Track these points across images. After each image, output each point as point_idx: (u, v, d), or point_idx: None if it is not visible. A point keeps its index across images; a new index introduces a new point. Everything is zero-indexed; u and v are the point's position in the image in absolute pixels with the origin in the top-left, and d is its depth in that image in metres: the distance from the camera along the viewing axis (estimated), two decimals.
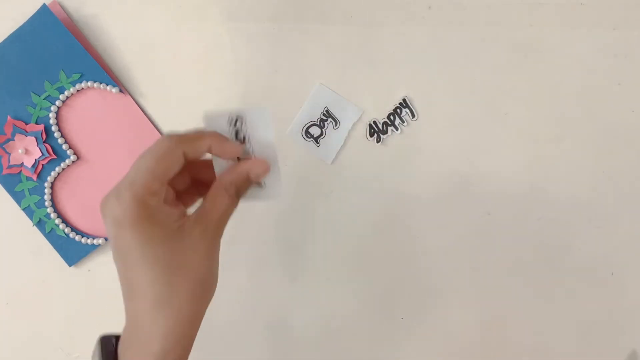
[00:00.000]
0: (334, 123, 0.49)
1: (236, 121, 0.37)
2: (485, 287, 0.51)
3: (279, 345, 0.51)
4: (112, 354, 0.35)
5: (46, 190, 0.48)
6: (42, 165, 0.48)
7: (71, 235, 0.49)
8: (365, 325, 0.51)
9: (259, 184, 0.38)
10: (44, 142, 0.48)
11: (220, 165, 0.37)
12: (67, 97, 0.48)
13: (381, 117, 0.49)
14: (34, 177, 0.48)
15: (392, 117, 0.49)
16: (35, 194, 0.49)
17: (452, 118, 0.49)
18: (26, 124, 0.48)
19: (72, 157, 0.48)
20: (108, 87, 0.47)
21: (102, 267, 0.50)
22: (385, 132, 0.49)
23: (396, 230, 0.50)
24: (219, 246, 0.36)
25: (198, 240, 0.35)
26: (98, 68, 0.47)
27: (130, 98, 0.48)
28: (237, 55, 0.48)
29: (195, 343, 0.36)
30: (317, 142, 0.49)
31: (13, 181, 0.48)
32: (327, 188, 0.49)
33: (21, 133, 0.48)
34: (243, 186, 0.37)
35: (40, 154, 0.48)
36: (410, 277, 0.51)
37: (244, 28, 0.48)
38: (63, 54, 0.47)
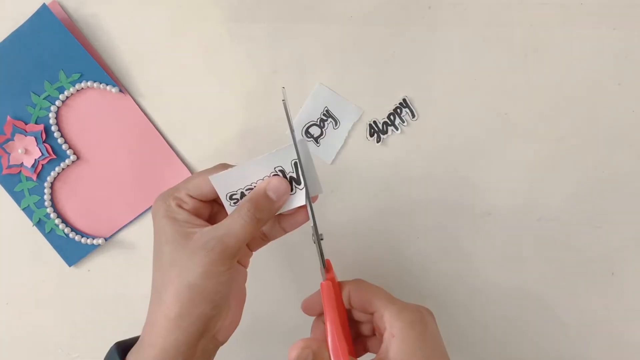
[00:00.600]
0: (334, 123, 0.49)
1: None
2: (484, 288, 0.51)
3: (278, 345, 0.51)
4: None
5: (46, 190, 0.48)
6: (42, 165, 0.48)
7: (71, 235, 0.49)
8: None
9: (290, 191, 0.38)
10: (44, 142, 0.48)
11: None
12: (67, 97, 0.48)
13: (381, 117, 0.49)
14: (34, 177, 0.48)
15: (392, 117, 0.49)
16: (35, 194, 0.49)
17: (452, 118, 0.49)
18: (26, 124, 0.48)
19: (72, 157, 0.48)
20: (108, 87, 0.47)
21: (102, 267, 0.50)
22: (385, 132, 0.49)
23: (396, 230, 0.50)
24: (231, 268, 0.36)
25: (198, 249, 0.35)
26: (98, 68, 0.47)
27: (130, 98, 0.48)
28: (237, 55, 0.48)
29: None
30: (317, 142, 0.49)
31: (13, 181, 0.48)
32: (327, 188, 0.49)
33: (21, 133, 0.48)
34: (261, 204, 0.37)
35: (40, 154, 0.48)
36: (409, 277, 0.51)
37: (244, 28, 0.48)
38: (63, 53, 0.47)
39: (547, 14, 0.48)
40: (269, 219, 0.37)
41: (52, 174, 0.48)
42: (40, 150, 0.48)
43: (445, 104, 0.49)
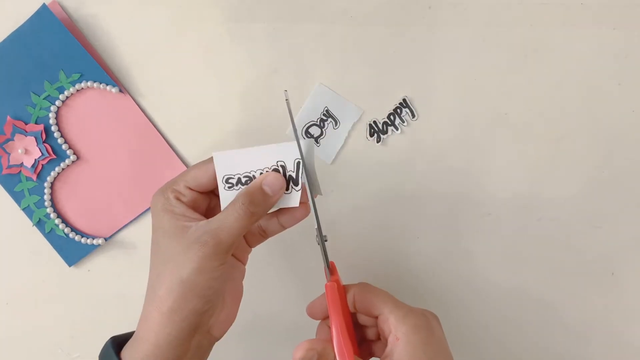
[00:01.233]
0: (334, 123, 0.49)
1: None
2: (484, 287, 0.51)
3: (280, 344, 0.51)
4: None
5: (46, 190, 0.48)
6: (42, 165, 0.48)
7: (71, 235, 0.49)
8: None
9: (286, 190, 0.38)
10: (44, 142, 0.48)
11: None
12: (67, 97, 0.48)
13: (381, 117, 0.49)
14: (34, 177, 0.48)
15: (392, 117, 0.49)
16: (35, 194, 0.49)
17: (452, 118, 0.49)
18: (26, 124, 0.48)
19: (72, 157, 0.48)
20: (108, 87, 0.47)
21: (102, 267, 0.50)
22: (385, 132, 0.49)
23: (396, 230, 0.50)
24: (226, 264, 0.36)
25: (192, 243, 0.35)
26: (98, 68, 0.47)
27: (130, 98, 0.48)
28: (237, 55, 0.48)
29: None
30: (317, 142, 0.49)
31: (13, 181, 0.48)
32: (327, 188, 0.49)
33: (21, 133, 0.48)
34: (256, 198, 0.37)
35: (40, 154, 0.48)
36: (409, 276, 0.51)
37: (244, 28, 0.48)
38: (63, 53, 0.47)
39: (547, 14, 0.48)
40: (263, 214, 0.37)
41: (52, 174, 0.48)
42: (40, 150, 0.48)
43: (445, 104, 0.49)
